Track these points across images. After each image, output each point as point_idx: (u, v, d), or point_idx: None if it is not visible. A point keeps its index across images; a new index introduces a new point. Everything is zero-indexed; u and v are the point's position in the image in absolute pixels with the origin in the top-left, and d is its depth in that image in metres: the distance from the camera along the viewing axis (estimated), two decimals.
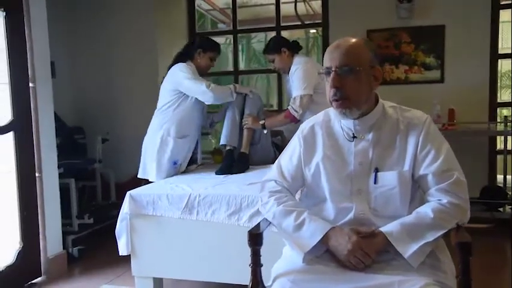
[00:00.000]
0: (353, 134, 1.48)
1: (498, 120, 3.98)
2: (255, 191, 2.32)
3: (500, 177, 3.92)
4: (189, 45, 3.13)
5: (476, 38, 3.82)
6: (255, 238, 1.41)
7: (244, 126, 2.98)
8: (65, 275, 3.01)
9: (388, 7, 3.91)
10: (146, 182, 3.94)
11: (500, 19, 3.86)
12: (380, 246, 1.34)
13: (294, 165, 1.56)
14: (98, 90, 4.28)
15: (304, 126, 1.61)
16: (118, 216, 2.50)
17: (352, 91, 1.42)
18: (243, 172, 2.82)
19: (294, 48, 3.08)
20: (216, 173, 2.85)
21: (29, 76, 2.86)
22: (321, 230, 1.39)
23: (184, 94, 2.94)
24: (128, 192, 2.48)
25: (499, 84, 4.09)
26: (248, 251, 1.44)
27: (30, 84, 2.87)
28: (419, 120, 1.46)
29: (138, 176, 3.08)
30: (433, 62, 3.91)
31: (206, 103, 2.97)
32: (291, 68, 3.01)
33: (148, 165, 2.99)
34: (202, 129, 3.27)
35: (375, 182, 1.43)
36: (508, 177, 3.70)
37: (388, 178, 1.42)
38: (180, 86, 2.91)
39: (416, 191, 1.46)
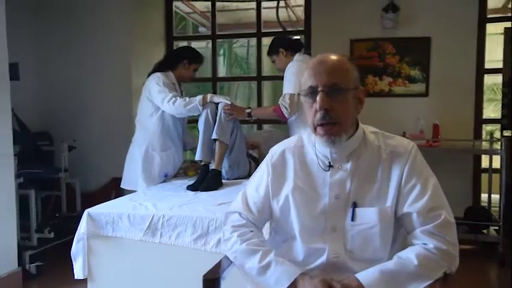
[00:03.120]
0: (329, 162, 1.30)
1: (484, 136, 3.86)
2: (224, 212, 2.15)
3: (484, 196, 3.78)
4: (172, 54, 3.12)
5: (462, 52, 3.71)
6: (211, 285, 1.20)
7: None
8: None
9: (372, 17, 3.77)
10: (117, 191, 3.76)
11: (487, 31, 3.75)
12: None
13: (260, 196, 1.36)
14: (67, 95, 4.05)
15: (274, 151, 1.41)
16: None
17: (342, 114, 1.24)
18: (215, 190, 2.62)
19: (294, 47, 2.98)
20: (187, 188, 2.67)
21: None
22: (287, 276, 1.19)
23: None
24: (86, 211, 2.29)
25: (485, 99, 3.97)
26: None
27: None
28: (405, 149, 1.28)
29: (122, 186, 3.08)
30: (418, 74, 3.77)
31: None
32: (289, 64, 2.90)
33: (138, 178, 2.95)
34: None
35: (352, 219, 1.24)
36: (494, 196, 3.55)
37: (368, 215, 1.23)
38: (150, 95, 2.92)
39: (399, 230, 1.28)
